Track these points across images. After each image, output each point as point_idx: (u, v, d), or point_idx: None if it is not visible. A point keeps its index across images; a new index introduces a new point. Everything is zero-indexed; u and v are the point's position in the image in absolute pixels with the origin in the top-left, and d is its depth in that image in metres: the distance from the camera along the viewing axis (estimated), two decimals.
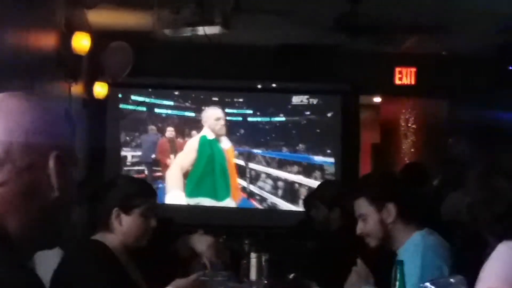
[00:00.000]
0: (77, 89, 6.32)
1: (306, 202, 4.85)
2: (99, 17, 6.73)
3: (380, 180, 3.00)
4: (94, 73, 7.13)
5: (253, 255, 3.60)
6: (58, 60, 5.33)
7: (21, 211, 1.17)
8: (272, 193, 8.47)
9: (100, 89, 7.21)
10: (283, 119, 8.53)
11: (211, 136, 8.47)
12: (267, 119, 8.57)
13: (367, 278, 2.67)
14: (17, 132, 1.17)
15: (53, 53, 5.25)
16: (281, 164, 8.49)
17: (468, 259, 2.53)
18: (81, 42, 5.72)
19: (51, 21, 5.23)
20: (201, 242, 3.28)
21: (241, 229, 6.46)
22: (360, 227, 2.79)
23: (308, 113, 8.51)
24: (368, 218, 2.76)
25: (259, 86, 8.59)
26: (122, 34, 7.05)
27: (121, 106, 8.41)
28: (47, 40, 5.15)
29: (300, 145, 8.50)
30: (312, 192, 4.48)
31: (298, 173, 8.43)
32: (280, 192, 8.46)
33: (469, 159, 7.25)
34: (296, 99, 8.50)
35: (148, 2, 5.86)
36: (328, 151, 8.45)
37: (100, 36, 6.68)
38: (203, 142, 8.45)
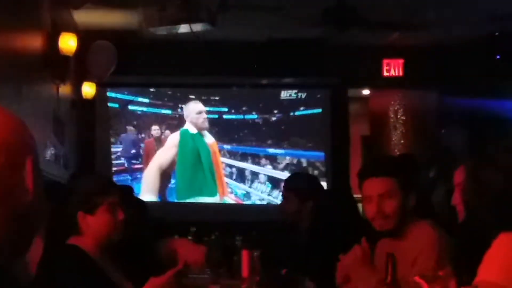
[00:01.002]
0: (65, 89, 6.30)
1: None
2: (85, 17, 6.71)
3: (409, 167, 2.98)
4: (82, 74, 7.10)
5: (244, 251, 3.58)
6: (45, 61, 5.31)
7: None
8: (264, 191, 8.48)
9: (89, 89, 7.19)
10: (274, 114, 8.52)
11: (193, 130, 8.40)
12: (258, 115, 8.55)
13: (365, 260, 2.65)
14: None
15: (40, 54, 5.24)
16: (271, 160, 8.49)
17: (460, 251, 2.54)
18: (68, 43, 5.72)
19: (37, 22, 5.21)
20: (188, 250, 3.25)
21: (233, 225, 6.45)
22: (385, 205, 2.73)
23: (297, 107, 8.50)
24: (395, 198, 2.74)
25: (247, 82, 8.55)
26: (109, 33, 7.02)
27: (109, 104, 8.38)
28: (34, 41, 5.14)
29: (290, 139, 8.49)
30: (284, 184, 4.34)
31: (286, 168, 8.42)
32: (271, 187, 8.46)
33: (461, 150, 7.27)
34: (284, 94, 8.49)
35: (133, 1, 5.84)
36: (318, 145, 8.45)
37: (87, 36, 6.66)
38: (185, 135, 8.36)
